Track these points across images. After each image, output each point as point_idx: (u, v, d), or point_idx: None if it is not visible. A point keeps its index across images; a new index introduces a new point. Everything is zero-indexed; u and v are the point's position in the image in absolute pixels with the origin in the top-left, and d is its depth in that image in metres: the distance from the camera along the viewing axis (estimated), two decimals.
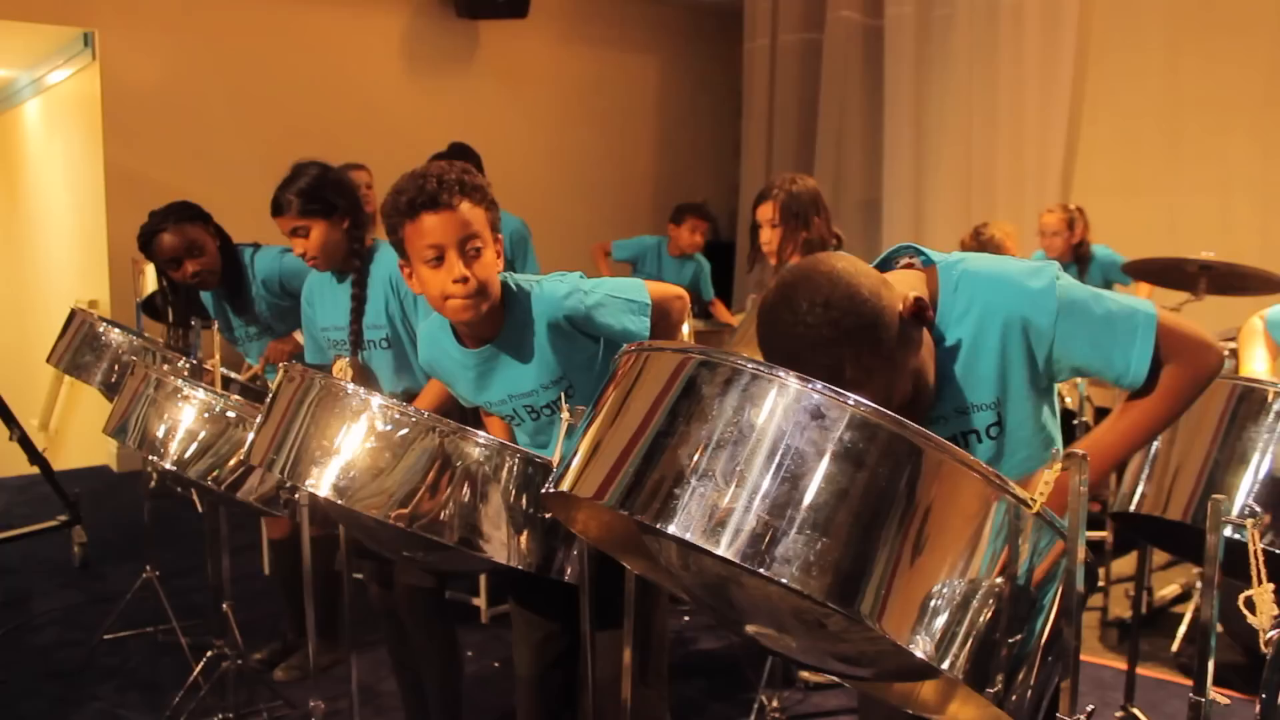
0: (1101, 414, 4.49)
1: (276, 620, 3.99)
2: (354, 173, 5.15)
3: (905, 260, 1.75)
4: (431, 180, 2.04)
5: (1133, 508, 2.32)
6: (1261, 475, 2.14)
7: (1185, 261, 4.22)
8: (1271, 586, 1.30)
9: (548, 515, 2.00)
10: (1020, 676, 1.28)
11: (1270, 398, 2.19)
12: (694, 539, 1.23)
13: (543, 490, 1.60)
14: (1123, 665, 3.03)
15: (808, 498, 1.21)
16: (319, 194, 2.85)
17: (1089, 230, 5.36)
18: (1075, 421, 3.18)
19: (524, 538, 2.06)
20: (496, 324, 2.16)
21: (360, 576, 3.03)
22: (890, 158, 7.50)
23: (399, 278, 2.75)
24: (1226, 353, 3.05)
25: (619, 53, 8.65)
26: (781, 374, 1.27)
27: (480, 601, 4.24)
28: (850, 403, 1.24)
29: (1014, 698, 1.28)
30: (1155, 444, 2.31)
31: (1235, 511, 2.08)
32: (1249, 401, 2.20)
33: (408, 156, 3.12)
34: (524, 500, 2.04)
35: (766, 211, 3.37)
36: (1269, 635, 1.27)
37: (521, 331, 2.16)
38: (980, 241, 4.53)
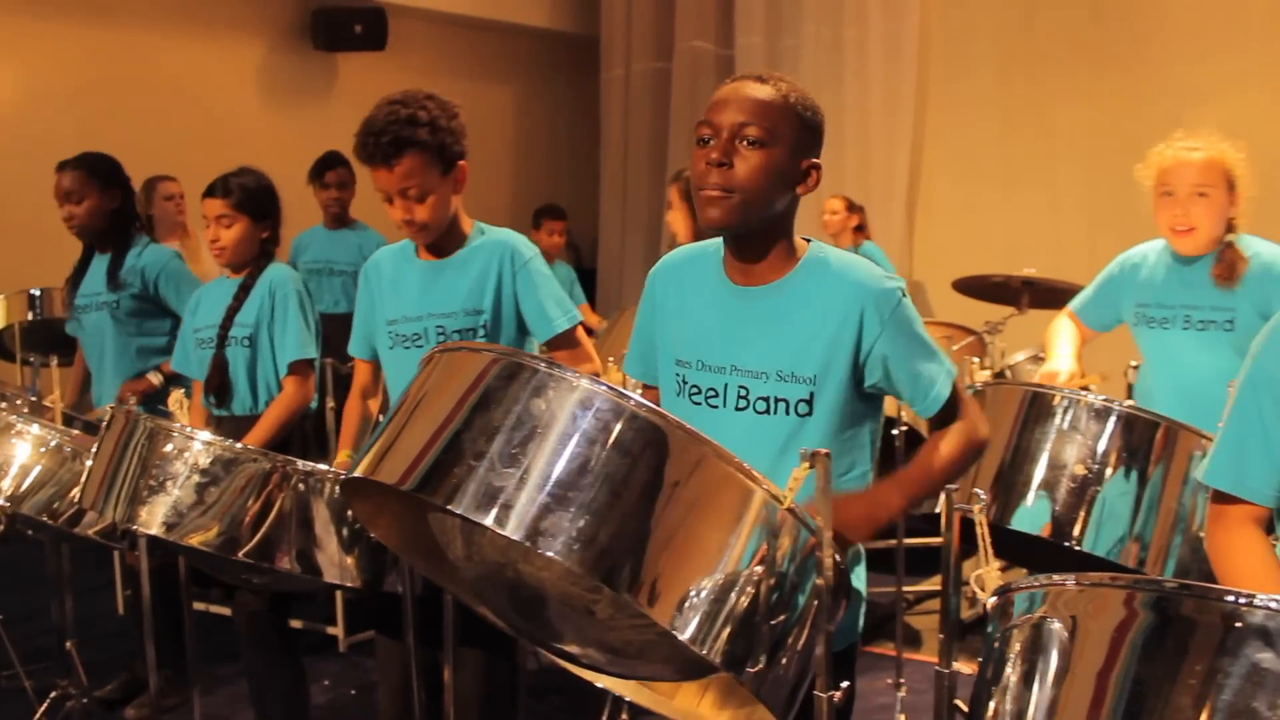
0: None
1: (130, 659, 3.93)
2: (164, 184, 5.20)
3: None
4: (371, 140, 2.32)
5: (938, 509, 2.47)
6: (1048, 472, 2.32)
7: (1009, 278, 4.46)
8: (999, 564, 1.45)
9: (373, 536, 2.08)
10: (781, 663, 1.39)
11: (1056, 401, 2.38)
12: (469, 514, 1.33)
13: (342, 477, 1.68)
14: (965, 667, 3.16)
15: (578, 482, 1.32)
16: (256, 197, 2.98)
17: (863, 219, 6.44)
18: (895, 431, 3.35)
19: (352, 558, 2.14)
20: (456, 246, 2.46)
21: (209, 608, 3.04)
22: None
23: (278, 285, 2.96)
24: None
25: (477, 83, 8.71)
26: (570, 375, 1.39)
27: (337, 630, 4.24)
28: (631, 403, 1.37)
29: (771, 679, 1.38)
30: None
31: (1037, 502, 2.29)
32: (1037, 405, 2.40)
33: None
34: (349, 520, 2.12)
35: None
36: (990, 603, 1.42)
37: (471, 257, 2.45)
38: None
